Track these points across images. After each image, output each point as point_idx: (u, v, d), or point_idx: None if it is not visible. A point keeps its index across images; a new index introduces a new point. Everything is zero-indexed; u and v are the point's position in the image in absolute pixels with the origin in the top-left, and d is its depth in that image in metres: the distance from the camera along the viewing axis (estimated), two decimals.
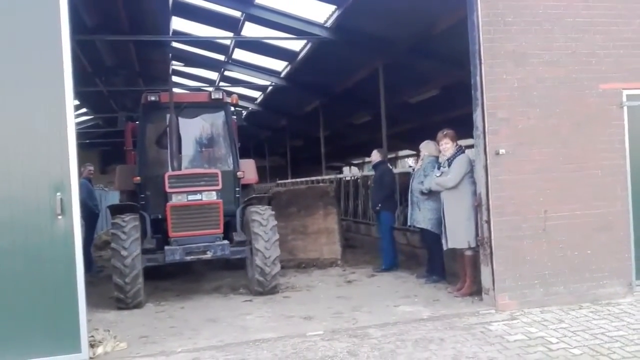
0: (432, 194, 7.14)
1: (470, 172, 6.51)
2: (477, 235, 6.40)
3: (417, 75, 13.97)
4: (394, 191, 8.70)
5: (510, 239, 5.86)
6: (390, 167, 9.08)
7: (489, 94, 5.88)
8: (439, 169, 6.90)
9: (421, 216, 7.37)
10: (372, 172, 9.70)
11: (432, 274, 7.52)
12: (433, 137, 7.34)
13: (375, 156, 9.01)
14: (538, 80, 6.04)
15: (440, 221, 6.97)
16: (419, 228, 7.59)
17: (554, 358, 4.42)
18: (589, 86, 6.15)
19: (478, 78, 5.93)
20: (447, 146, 6.80)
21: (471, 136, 6.32)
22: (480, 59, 5.90)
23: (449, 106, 15.14)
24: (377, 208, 8.64)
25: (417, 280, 7.57)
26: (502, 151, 5.85)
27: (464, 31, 6.18)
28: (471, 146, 6.87)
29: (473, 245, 6.45)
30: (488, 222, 5.88)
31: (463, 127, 7.69)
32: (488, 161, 5.87)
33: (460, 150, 6.75)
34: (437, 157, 7.28)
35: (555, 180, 6.03)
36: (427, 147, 7.64)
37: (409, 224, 7.80)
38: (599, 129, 6.18)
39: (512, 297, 5.79)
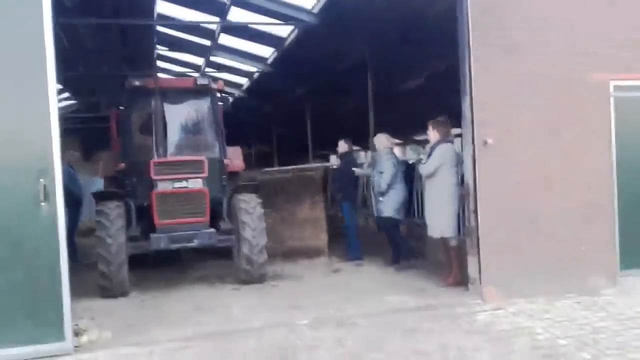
0: (392, 186, 7.60)
1: (452, 162, 6.50)
2: (459, 225, 6.44)
3: (404, 64, 13.92)
4: (355, 182, 8.65)
5: (497, 229, 5.89)
6: (355, 158, 9.13)
7: (478, 83, 5.87)
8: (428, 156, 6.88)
9: (383, 206, 7.72)
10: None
11: (404, 259, 7.70)
12: (421, 125, 7.37)
13: (342, 147, 9.03)
14: (526, 71, 6.03)
15: (398, 207, 7.65)
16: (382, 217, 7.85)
17: (540, 348, 4.45)
18: (577, 77, 6.16)
19: (467, 68, 5.91)
20: (430, 134, 6.81)
21: (459, 126, 6.32)
22: (469, 49, 5.87)
23: (436, 95, 15.12)
24: (338, 198, 8.82)
25: (396, 271, 7.63)
26: (489, 141, 5.85)
27: (454, 19, 6.14)
28: (459, 136, 6.89)
29: (446, 236, 6.48)
30: (475, 212, 5.89)
31: (451, 117, 7.68)
32: (476, 151, 5.87)
33: (445, 139, 6.73)
34: (391, 149, 8.00)
35: (542, 171, 6.06)
36: (379, 140, 8.11)
37: (375, 215, 8.04)
38: (587, 120, 6.20)
39: (498, 288, 5.82)
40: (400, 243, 7.89)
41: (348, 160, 9.00)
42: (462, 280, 6.37)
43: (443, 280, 6.64)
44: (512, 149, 5.93)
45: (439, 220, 6.52)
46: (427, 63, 13.39)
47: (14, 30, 4.61)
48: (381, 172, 7.73)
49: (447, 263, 6.79)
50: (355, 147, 21.66)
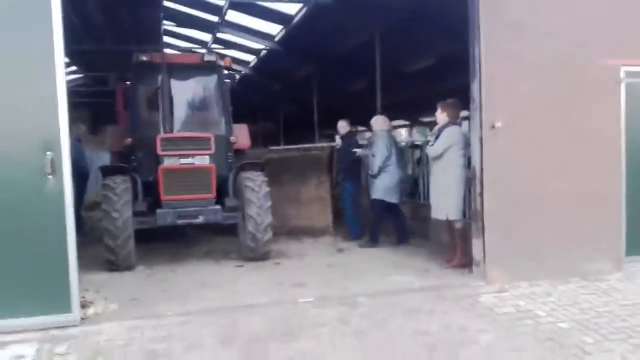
0: (384, 169, 7.81)
1: (460, 145, 6.47)
2: (464, 208, 6.44)
3: (414, 44, 13.78)
4: (358, 163, 8.67)
5: (503, 212, 5.87)
6: (357, 139, 9.14)
7: (487, 65, 5.80)
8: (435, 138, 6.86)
9: (374, 187, 7.98)
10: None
11: (371, 241, 8.05)
12: (429, 106, 7.33)
13: (343, 127, 9.02)
14: (537, 53, 5.96)
15: (390, 190, 7.85)
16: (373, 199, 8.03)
17: (542, 331, 4.48)
18: (588, 60, 6.08)
19: (476, 49, 5.84)
20: (438, 116, 6.77)
21: (467, 108, 6.28)
22: (478, 29, 5.80)
23: (445, 76, 15.00)
24: (339, 179, 8.87)
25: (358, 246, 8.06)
26: (497, 124, 5.80)
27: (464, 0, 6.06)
28: (466, 118, 6.85)
29: (451, 218, 6.50)
30: (481, 194, 5.87)
31: (459, 98, 7.63)
32: (483, 134, 5.83)
33: (454, 122, 6.69)
34: (388, 131, 8.18)
35: (550, 154, 6.02)
36: (376, 122, 8.25)
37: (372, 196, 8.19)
38: (596, 104, 6.14)
39: (503, 270, 5.83)
40: (374, 226, 8.11)
41: (350, 141, 8.97)
42: (466, 262, 6.38)
43: (447, 262, 6.67)
44: (520, 132, 5.88)
45: (445, 203, 6.52)
46: (436, 44, 13.24)
47: (20, 3, 4.57)
48: (373, 155, 7.89)
49: (452, 245, 6.80)
50: (361, 128, 21.53)
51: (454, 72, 13.27)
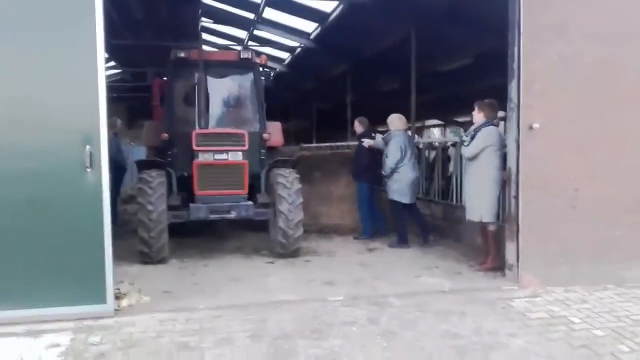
0: (397, 170, 7.84)
1: (497, 146, 6.37)
2: (498, 210, 6.34)
3: (450, 43, 13.63)
4: (373, 164, 8.55)
5: (538, 215, 5.76)
6: (374, 139, 9.05)
7: (526, 66, 5.69)
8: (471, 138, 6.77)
9: (388, 189, 8.02)
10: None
11: (394, 241, 8.00)
12: (464, 106, 7.24)
13: (358, 127, 8.95)
14: (577, 55, 5.81)
15: (404, 191, 7.86)
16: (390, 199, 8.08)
17: (576, 338, 4.38)
18: (629, 64, 5.92)
19: (516, 49, 5.73)
20: (475, 116, 6.67)
21: (503, 109, 6.18)
22: (519, 30, 5.69)
23: (481, 76, 14.80)
24: (354, 178, 8.83)
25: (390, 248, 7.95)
26: (535, 126, 5.69)
27: None
28: (503, 119, 6.74)
29: (485, 220, 6.40)
30: (516, 197, 5.77)
31: (495, 98, 7.52)
32: (520, 135, 5.72)
33: (490, 122, 6.58)
34: (405, 130, 8.19)
35: (588, 159, 5.88)
36: (392, 122, 8.18)
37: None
38: (637, 109, 5.97)
39: (536, 275, 5.73)
40: (400, 228, 8.05)
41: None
42: (498, 266, 6.29)
43: (479, 265, 6.58)
44: (557, 135, 5.76)
45: (479, 204, 6.43)
46: (474, 43, 13.06)
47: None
48: (387, 156, 7.92)
49: (484, 247, 6.71)
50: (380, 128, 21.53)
51: (491, 72, 13.07)
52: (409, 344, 4.25)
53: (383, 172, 8.07)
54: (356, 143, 9.26)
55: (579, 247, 5.84)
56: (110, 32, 13.08)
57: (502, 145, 6.32)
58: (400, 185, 7.90)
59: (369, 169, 8.55)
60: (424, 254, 7.50)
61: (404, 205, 7.99)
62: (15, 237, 4.63)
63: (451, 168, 8.95)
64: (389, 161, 7.90)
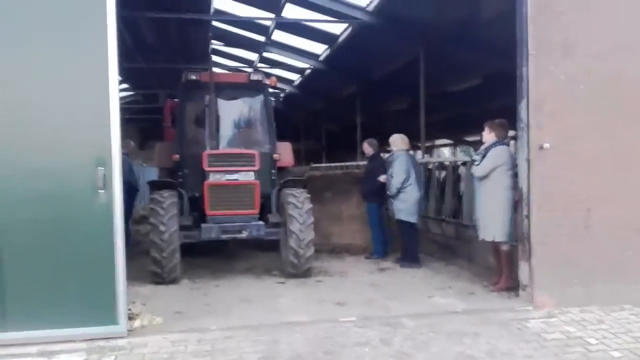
0: (403, 189, 7.86)
1: (508, 165, 6.36)
2: (511, 230, 6.30)
3: (458, 64, 13.73)
4: (382, 184, 8.48)
5: (551, 235, 5.71)
6: (383, 161, 9.08)
7: (535, 86, 5.69)
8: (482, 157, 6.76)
9: (395, 208, 8.01)
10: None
11: (405, 261, 7.95)
12: (473, 126, 7.25)
13: (367, 149, 8.96)
14: (586, 74, 5.81)
15: (412, 210, 7.91)
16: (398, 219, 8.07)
17: (593, 359, 4.32)
18: (638, 80, 5.91)
19: (524, 69, 5.74)
20: (486, 136, 6.66)
21: (513, 128, 6.18)
22: (527, 50, 5.71)
23: (489, 96, 14.84)
24: (364, 199, 8.84)
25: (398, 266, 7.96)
26: (546, 145, 5.67)
27: (510, 19, 5.99)
28: (513, 138, 6.74)
29: (498, 240, 6.36)
30: (528, 217, 5.74)
31: (504, 118, 7.53)
32: (531, 155, 5.70)
33: (501, 142, 6.57)
34: (407, 150, 8.25)
35: (600, 178, 5.84)
36: (394, 142, 8.25)
37: (391, 215, 8.29)
38: None
39: (551, 295, 5.66)
40: (408, 247, 8.06)
41: (375, 163, 8.86)
42: (512, 286, 6.23)
43: (493, 285, 6.52)
44: (568, 155, 5.73)
45: (492, 224, 6.38)
46: (482, 63, 13.15)
47: (78, 21, 4.75)
48: (392, 176, 7.94)
49: (497, 268, 6.65)
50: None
51: (500, 92, 13.12)
52: None
53: (388, 192, 8.09)
54: (366, 163, 9.27)
55: (593, 267, 5.77)
56: (123, 55, 13.32)
57: (513, 165, 6.30)
58: (407, 205, 7.92)
59: (380, 189, 8.54)
60: (436, 274, 7.45)
61: (411, 224, 8.00)
62: (29, 258, 4.65)
63: (462, 187, 8.93)
64: (395, 181, 7.92)
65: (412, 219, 7.97)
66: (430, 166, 10.24)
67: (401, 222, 8.04)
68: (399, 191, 7.91)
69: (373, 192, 8.61)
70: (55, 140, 4.73)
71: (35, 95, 4.71)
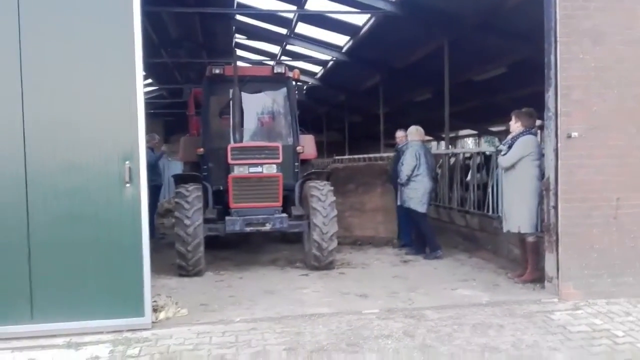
0: (413, 178, 7.89)
1: (535, 155, 6.25)
2: (537, 221, 6.21)
3: (483, 52, 13.54)
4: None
5: (578, 226, 5.62)
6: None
7: (563, 73, 5.58)
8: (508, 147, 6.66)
9: (405, 197, 8.03)
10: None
11: (432, 251, 7.93)
12: (498, 115, 7.16)
13: (401, 138, 8.91)
14: (616, 61, 5.69)
15: (423, 199, 7.93)
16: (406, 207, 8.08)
17: (620, 352, 4.25)
18: None
19: (552, 57, 5.64)
20: (513, 125, 6.55)
21: (540, 117, 6.08)
22: (555, 37, 5.59)
23: (515, 85, 14.63)
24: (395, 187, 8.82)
25: (425, 260, 7.85)
26: (574, 134, 5.57)
27: (536, 6, 5.88)
28: (540, 128, 6.63)
29: (524, 231, 6.27)
30: (555, 207, 5.65)
31: (530, 107, 7.41)
32: (559, 144, 5.60)
33: (528, 131, 6.46)
34: (421, 141, 8.31)
35: (630, 167, 5.72)
36: (410, 133, 8.35)
37: (398, 203, 8.32)
38: None
39: (577, 287, 5.58)
40: (429, 236, 8.06)
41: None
42: (538, 278, 6.15)
43: (518, 277, 6.44)
44: (597, 143, 5.62)
45: (518, 215, 6.29)
46: (508, 52, 12.95)
47: (104, 16, 4.80)
48: (402, 164, 7.99)
49: (523, 259, 6.57)
50: (427, 137, 21.35)
51: (526, 81, 12.91)
52: (446, 359, 4.18)
53: (399, 180, 8.11)
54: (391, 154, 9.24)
55: (621, 257, 5.67)
56: (148, 50, 13.47)
57: (540, 155, 6.20)
58: (418, 194, 7.94)
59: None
60: (460, 265, 7.40)
61: (422, 214, 8.02)
62: (56, 251, 4.74)
63: (486, 178, 8.82)
64: (405, 169, 7.95)
65: (421, 208, 7.97)
66: (452, 157, 10.16)
67: (412, 211, 8.05)
68: (409, 179, 7.93)
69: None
70: (84, 135, 4.80)
71: (64, 92, 4.77)
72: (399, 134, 8.99)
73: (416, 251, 8.16)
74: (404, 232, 8.75)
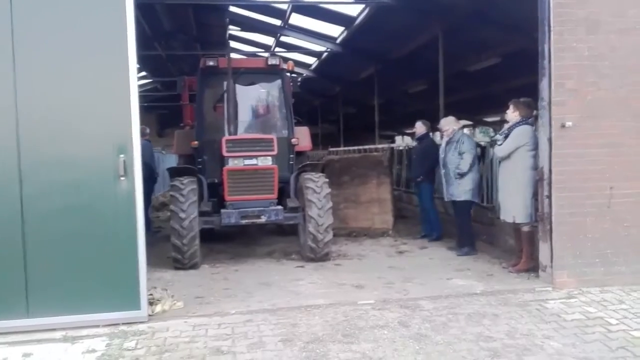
0: (471, 168, 7.44)
1: (531, 145, 6.27)
2: (532, 211, 6.23)
3: (478, 42, 13.53)
4: (437, 164, 8.36)
5: (572, 215, 5.65)
6: (434, 140, 9.03)
7: (557, 63, 5.59)
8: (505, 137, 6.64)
9: (460, 189, 7.48)
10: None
11: (463, 247, 7.56)
12: (493, 106, 7.16)
13: (421, 128, 8.89)
14: (610, 50, 5.70)
15: (477, 190, 7.54)
16: (452, 201, 7.70)
17: (613, 340, 4.28)
18: None
19: (546, 46, 5.64)
20: (510, 115, 6.55)
21: (535, 107, 6.09)
22: (549, 26, 5.60)
23: (509, 75, 14.62)
24: (419, 180, 8.73)
25: (455, 255, 7.54)
26: (568, 124, 5.59)
27: None
28: (536, 118, 6.63)
29: (519, 221, 6.29)
30: (549, 197, 5.68)
31: (524, 97, 7.42)
32: (552, 134, 5.62)
33: (524, 121, 6.46)
34: (463, 129, 7.92)
35: (623, 156, 5.75)
36: (449, 122, 7.92)
37: (445, 199, 7.87)
38: None
39: (571, 275, 5.62)
40: (466, 232, 7.70)
41: (427, 142, 8.85)
42: (532, 267, 6.19)
43: (512, 266, 6.48)
44: (591, 133, 5.64)
45: (513, 204, 6.32)
46: (502, 42, 12.94)
47: (96, 10, 4.78)
48: (460, 154, 7.51)
49: (517, 248, 6.61)
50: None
51: (520, 71, 12.91)
52: (441, 348, 4.21)
53: (458, 171, 7.45)
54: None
55: (614, 246, 5.71)
56: (141, 43, 13.40)
57: (536, 145, 6.21)
58: (474, 184, 7.52)
59: (433, 170, 8.52)
60: (454, 256, 7.43)
61: (469, 206, 7.69)
62: (52, 245, 4.74)
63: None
64: (468, 158, 7.42)
65: (477, 198, 7.67)
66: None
67: (463, 205, 7.57)
68: (470, 169, 7.45)
69: (431, 171, 8.59)
70: (78, 129, 4.79)
71: (57, 85, 4.76)
72: (419, 125, 8.88)
73: (469, 250, 7.50)
74: (436, 224, 8.61)
